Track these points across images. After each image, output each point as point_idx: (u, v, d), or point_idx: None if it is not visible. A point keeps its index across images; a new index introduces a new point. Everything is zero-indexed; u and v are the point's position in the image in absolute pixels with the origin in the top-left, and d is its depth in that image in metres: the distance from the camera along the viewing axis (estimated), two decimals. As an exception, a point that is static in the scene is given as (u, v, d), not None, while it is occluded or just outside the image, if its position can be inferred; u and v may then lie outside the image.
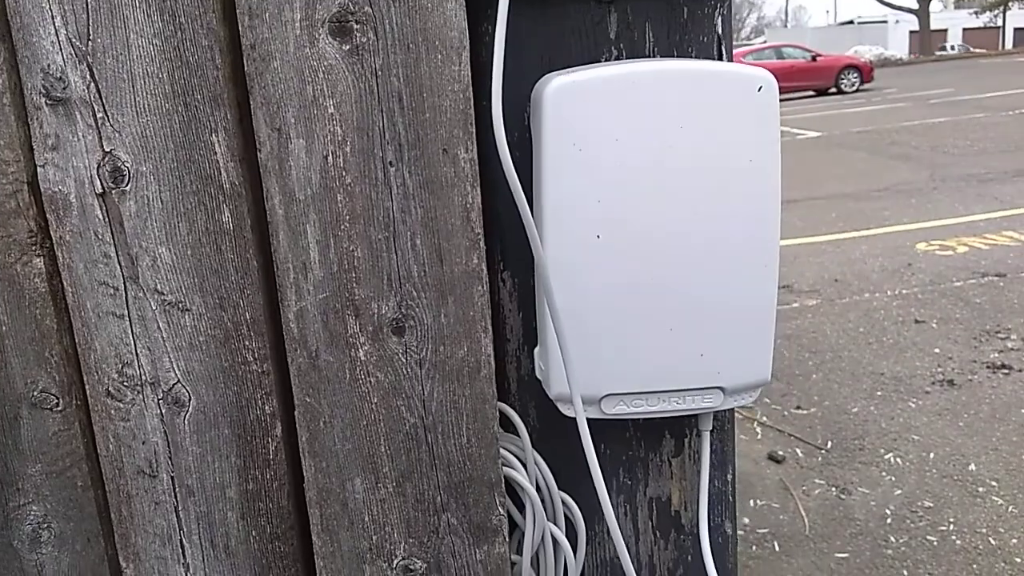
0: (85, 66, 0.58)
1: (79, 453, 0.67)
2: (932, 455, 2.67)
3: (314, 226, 0.60)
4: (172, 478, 0.66)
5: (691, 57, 0.66)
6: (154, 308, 0.62)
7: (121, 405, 0.65)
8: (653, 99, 0.60)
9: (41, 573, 0.69)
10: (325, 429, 0.64)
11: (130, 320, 0.62)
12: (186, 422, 0.65)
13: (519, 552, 0.69)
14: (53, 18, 0.57)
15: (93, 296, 0.62)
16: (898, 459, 2.69)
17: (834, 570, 2.20)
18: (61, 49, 0.58)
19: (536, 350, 0.68)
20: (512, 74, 0.63)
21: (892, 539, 2.29)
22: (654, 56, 0.66)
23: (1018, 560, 2.13)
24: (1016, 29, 41.19)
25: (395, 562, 0.67)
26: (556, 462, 0.70)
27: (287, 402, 0.65)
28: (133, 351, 0.63)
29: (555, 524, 0.69)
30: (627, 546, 0.74)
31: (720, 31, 0.66)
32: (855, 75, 18.78)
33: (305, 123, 0.58)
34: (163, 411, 0.64)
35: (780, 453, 2.82)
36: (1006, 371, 3.20)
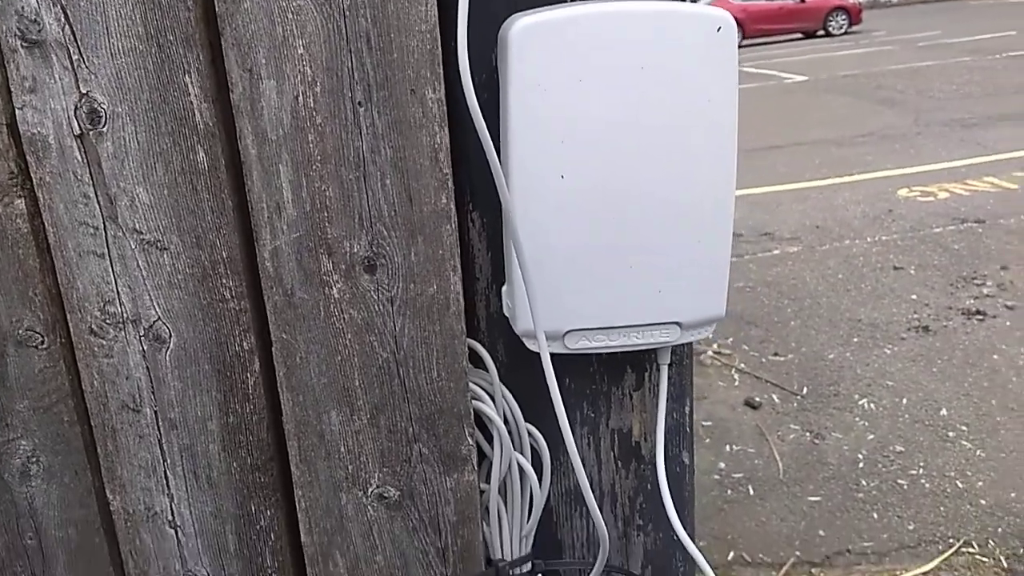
0: (59, 8, 0.60)
1: (64, 389, 0.71)
2: (905, 400, 2.76)
3: (286, 166, 0.63)
4: (155, 412, 0.70)
5: None
6: (133, 247, 0.65)
7: (104, 342, 0.68)
8: (615, 39, 0.63)
9: (31, 505, 0.73)
10: (301, 364, 0.68)
11: (110, 259, 0.66)
12: (168, 358, 0.69)
13: (487, 480, 0.74)
14: (26, -39, 0.59)
15: (74, 236, 0.66)
16: (872, 404, 2.77)
17: (806, 513, 2.29)
18: (35, -8, 0.60)
19: (504, 288, 0.72)
20: (479, 14, 0.66)
21: (863, 483, 2.38)
22: (618, -1, 0.69)
23: (983, 502, 2.22)
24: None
25: (370, 490, 0.72)
26: (523, 395, 0.75)
27: (264, 338, 0.69)
28: (114, 289, 0.66)
29: (521, 454, 0.74)
30: (590, 475, 0.79)
31: (683, -26, 0.68)
32: (843, 17, 18.67)
33: (276, 64, 0.61)
34: (145, 348, 0.68)
35: (757, 399, 2.90)
36: (980, 317, 3.28)
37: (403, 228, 0.65)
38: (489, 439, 0.74)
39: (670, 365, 0.75)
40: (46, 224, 0.66)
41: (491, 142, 0.61)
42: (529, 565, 0.75)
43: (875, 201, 4.81)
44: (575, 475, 0.79)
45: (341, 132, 0.62)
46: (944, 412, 2.66)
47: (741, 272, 4.05)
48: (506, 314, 0.72)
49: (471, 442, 0.72)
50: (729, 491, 2.43)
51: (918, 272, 3.76)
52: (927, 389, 2.82)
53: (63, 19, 0.60)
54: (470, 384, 0.72)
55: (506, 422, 0.74)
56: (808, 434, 2.65)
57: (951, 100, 7.82)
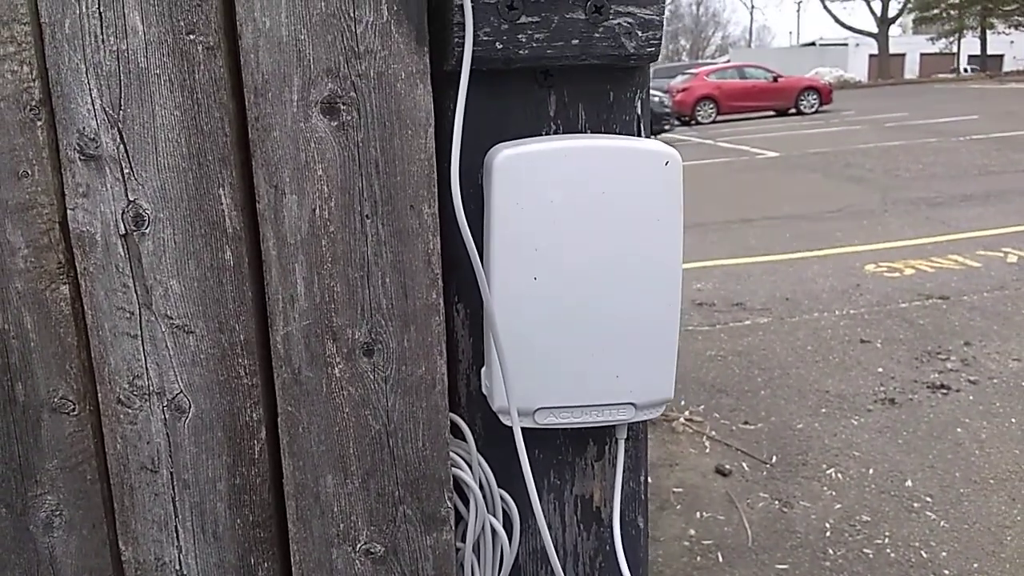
0: (116, 130, 0.73)
1: (90, 451, 0.81)
2: (871, 471, 2.87)
3: (302, 265, 0.76)
4: (171, 473, 0.81)
5: (616, 132, 0.83)
6: (163, 330, 0.77)
7: (130, 411, 0.79)
8: (581, 169, 0.77)
9: (52, 554, 0.83)
10: (303, 434, 0.80)
11: (142, 339, 0.77)
12: (186, 426, 0.80)
13: (463, 539, 0.85)
14: (90, 90, 0.72)
15: (111, 319, 0.77)
16: (839, 474, 2.88)
17: (774, 581, 2.36)
18: (96, 115, 0.73)
19: (483, 370, 0.84)
20: (468, 141, 0.79)
21: (830, 551, 2.47)
22: (586, 131, 0.83)
23: (946, 573, 2.32)
24: (970, 56, 42.74)
25: (358, 546, 0.83)
26: (497, 464, 0.86)
27: (271, 410, 0.81)
28: (144, 366, 0.78)
29: (495, 516, 0.85)
30: (555, 536, 0.91)
31: (639, 111, 0.83)
32: (814, 97, 19.52)
33: (298, 182, 0.74)
34: (167, 416, 0.79)
35: (727, 467, 3.00)
36: (945, 391, 3.42)
37: (398, 319, 0.78)
38: (466, 502, 0.85)
39: (627, 439, 0.87)
40: (85, 308, 0.78)
41: (476, 250, 0.74)
42: (498, 618, 0.85)
43: (843, 275, 5.02)
44: (541, 536, 0.90)
45: (350, 239, 0.75)
46: (909, 483, 2.77)
47: (713, 341, 4.18)
48: (484, 392, 0.84)
49: (450, 505, 0.83)
50: (699, 557, 2.50)
51: (884, 346, 3.92)
52: (893, 460, 2.93)
53: (119, 139, 0.73)
54: (451, 453, 0.83)
55: (481, 488, 0.85)
56: (777, 502, 2.74)
57: (917, 179, 8.17)
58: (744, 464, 3.04)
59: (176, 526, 0.82)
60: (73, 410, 0.80)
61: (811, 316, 4.37)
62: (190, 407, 0.79)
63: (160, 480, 0.81)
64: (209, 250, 0.76)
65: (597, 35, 0.76)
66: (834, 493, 2.78)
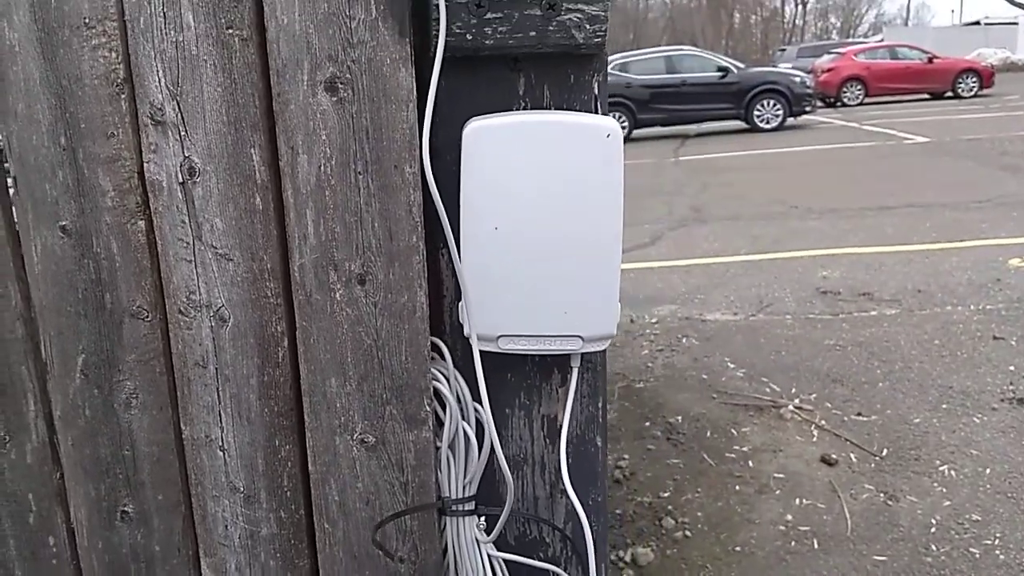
0: (176, 103, 1.00)
1: (159, 350, 1.11)
2: (989, 471, 2.83)
3: (311, 210, 1.01)
4: (216, 369, 1.09)
5: (576, 109, 1.04)
6: (211, 257, 1.05)
7: (187, 319, 1.08)
8: (535, 138, 0.98)
9: (130, 428, 1.14)
10: (314, 344, 1.06)
11: (195, 264, 1.05)
12: (227, 332, 1.07)
13: (443, 440, 1.08)
14: (158, 71, 1.00)
15: (173, 247, 1.06)
16: (953, 471, 2.86)
17: (870, 572, 2.41)
18: (162, 91, 1.01)
19: (460, 303, 1.07)
20: (451, 115, 1.02)
21: (933, 547, 2.47)
22: (550, 108, 1.04)
23: (1058, 580, 2.29)
24: None
25: (355, 436, 1.08)
26: (475, 383, 1.08)
27: (291, 324, 1.07)
28: (196, 284, 1.06)
29: (468, 424, 1.07)
30: (525, 449, 1.13)
31: (596, 91, 1.03)
32: (973, 79, 18.37)
33: (308, 144, 0.99)
34: (213, 324, 1.07)
35: (833, 456, 3.03)
36: (1081, 394, 3.29)
37: (385, 256, 1.02)
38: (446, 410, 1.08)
39: (582, 369, 1.07)
40: (156, 238, 1.06)
41: (442, 203, 0.96)
42: (469, 505, 1.08)
43: (984, 269, 4.83)
44: (514, 445, 1.12)
45: (347, 190, 1.00)
46: (1029, 486, 2.72)
47: (833, 330, 4.15)
48: (461, 322, 1.07)
49: (428, 409, 1.07)
50: (793, 543, 2.56)
51: (1020, 344, 3.79)
52: (1014, 462, 2.87)
53: (177, 109, 1.01)
54: (434, 369, 1.06)
55: (457, 399, 1.08)
56: (882, 495, 2.74)
57: (1080, 171, 7.56)
58: (852, 455, 3.05)
59: (220, 411, 1.10)
60: (147, 317, 1.10)
61: (943, 309, 4.26)
62: (230, 318, 1.07)
63: (208, 374, 1.09)
64: (244, 196, 1.03)
65: (551, 28, 0.96)
66: (945, 490, 2.76)
